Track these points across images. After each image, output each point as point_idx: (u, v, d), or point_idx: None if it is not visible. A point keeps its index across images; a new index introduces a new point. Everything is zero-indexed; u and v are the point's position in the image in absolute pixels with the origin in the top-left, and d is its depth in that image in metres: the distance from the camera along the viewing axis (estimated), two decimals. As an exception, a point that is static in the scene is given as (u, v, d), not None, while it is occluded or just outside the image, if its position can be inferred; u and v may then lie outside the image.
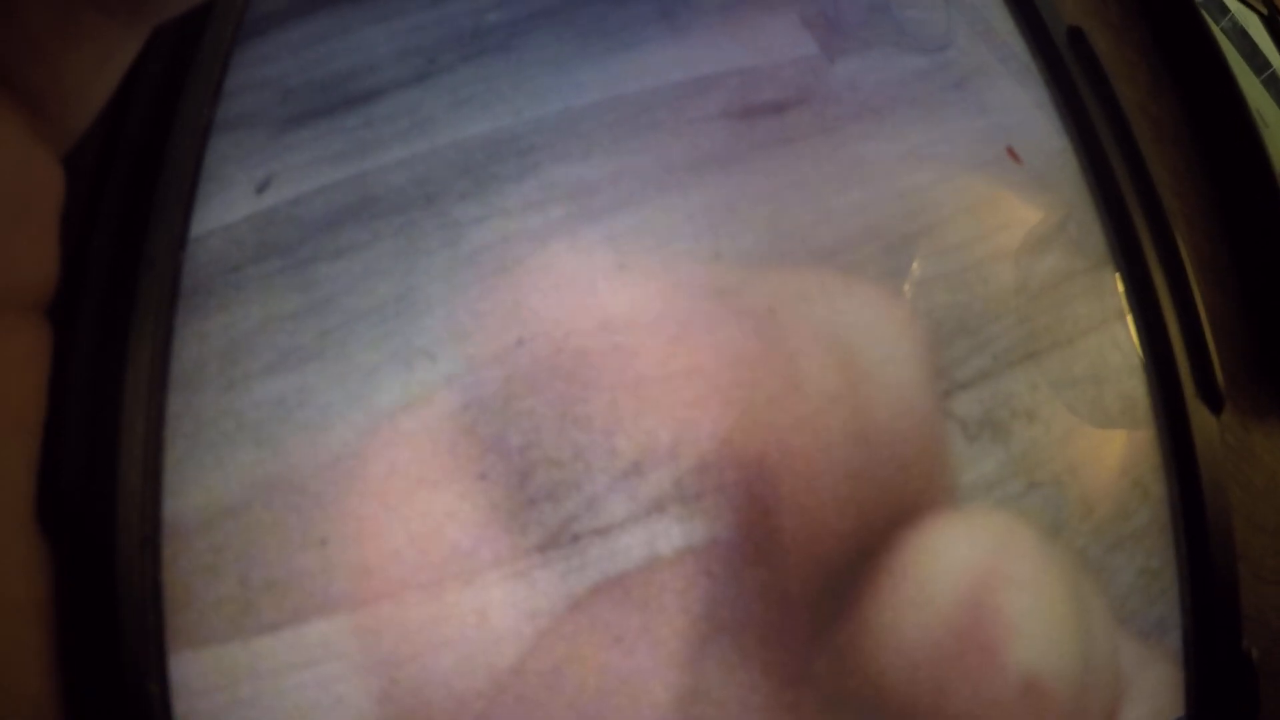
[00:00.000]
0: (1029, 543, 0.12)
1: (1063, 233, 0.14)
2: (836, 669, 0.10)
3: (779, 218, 0.12)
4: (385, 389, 0.10)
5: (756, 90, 0.12)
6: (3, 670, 0.07)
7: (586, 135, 0.11)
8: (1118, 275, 0.14)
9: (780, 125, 0.12)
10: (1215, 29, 0.25)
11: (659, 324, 0.10)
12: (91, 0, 0.06)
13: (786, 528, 0.10)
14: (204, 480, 0.09)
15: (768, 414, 0.10)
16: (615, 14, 0.12)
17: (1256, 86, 0.26)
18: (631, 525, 0.10)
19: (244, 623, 0.09)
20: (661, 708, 0.10)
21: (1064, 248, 0.14)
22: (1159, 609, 0.13)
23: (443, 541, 0.09)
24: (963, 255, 0.13)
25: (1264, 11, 0.28)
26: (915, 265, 0.12)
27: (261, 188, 0.10)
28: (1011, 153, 0.14)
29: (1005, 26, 0.15)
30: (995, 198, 0.14)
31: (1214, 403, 0.14)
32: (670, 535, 0.10)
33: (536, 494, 0.10)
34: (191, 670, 0.09)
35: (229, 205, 0.10)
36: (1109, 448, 0.13)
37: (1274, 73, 0.27)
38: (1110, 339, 0.14)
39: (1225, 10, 0.28)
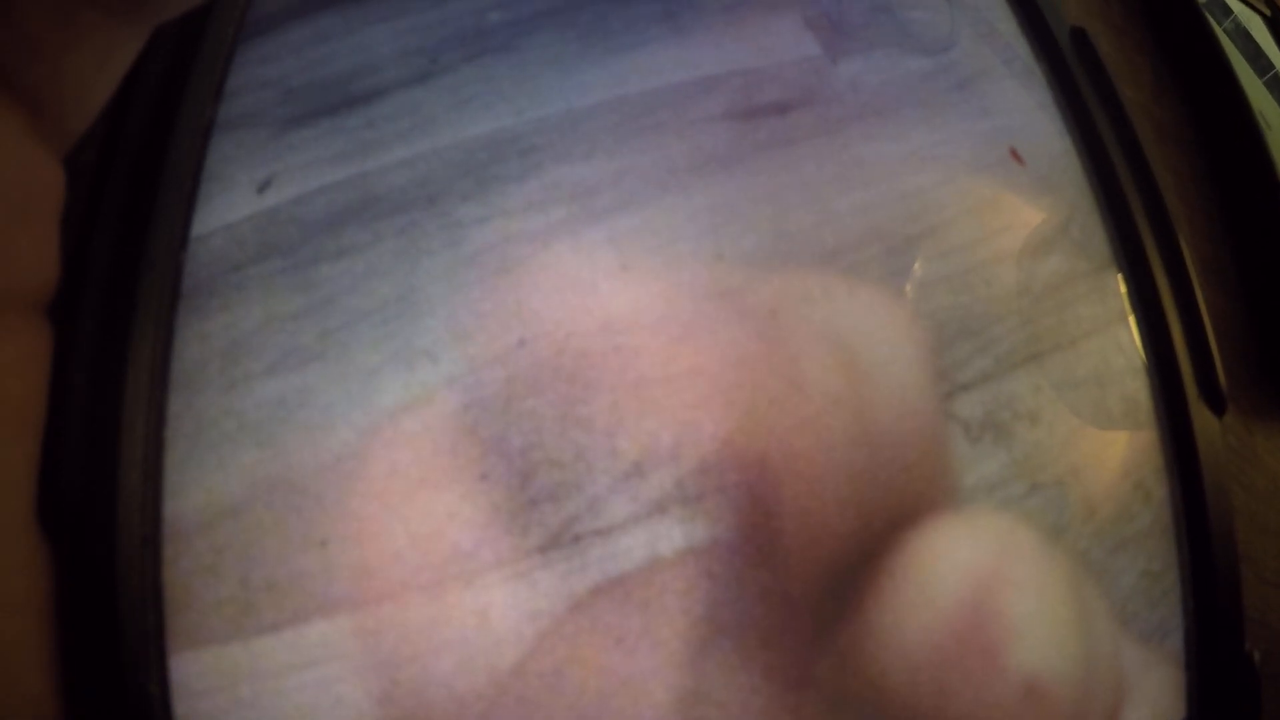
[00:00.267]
0: (1031, 545, 0.12)
1: (1065, 235, 0.14)
2: (838, 671, 0.10)
3: (781, 219, 0.11)
4: (386, 389, 0.10)
5: (759, 91, 0.12)
6: (4, 669, 0.07)
7: (589, 136, 0.11)
8: (1120, 277, 0.14)
9: (783, 126, 0.12)
10: (1218, 30, 0.25)
11: (661, 325, 0.10)
12: (91, 1, 0.06)
13: (788, 529, 0.10)
14: (205, 480, 0.09)
15: (769, 416, 0.10)
16: (618, 14, 0.12)
17: (1259, 88, 0.26)
18: (633, 526, 0.10)
19: (244, 623, 0.09)
20: (662, 709, 0.09)
21: (1067, 250, 0.14)
22: (1161, 611, 0.13)
23: (444, 542, 0.09)
24: (965, 257, 0.13)
25: (1267, 13, 0.28)
26: (917, 266, 0.12)
27: (263, 187, 0.10)
28: (1014, 154, 0.14)
29: (1008, 28, 0.15)
30: (998, 199, 0.14)
31: (1216, 405, 0.14)
32: (672, 536, 0.10)
33: (538, 495, 0.10)
34: (192, 671, 0.09)
35: (230, 205, 0.10)
36: (1111, 450, 0.13)
37: (1277, 74, 0.27)
38: (1113, 341, 0.14)
39: (1228, 11, 0.27)
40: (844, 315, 0.11)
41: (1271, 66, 0.27)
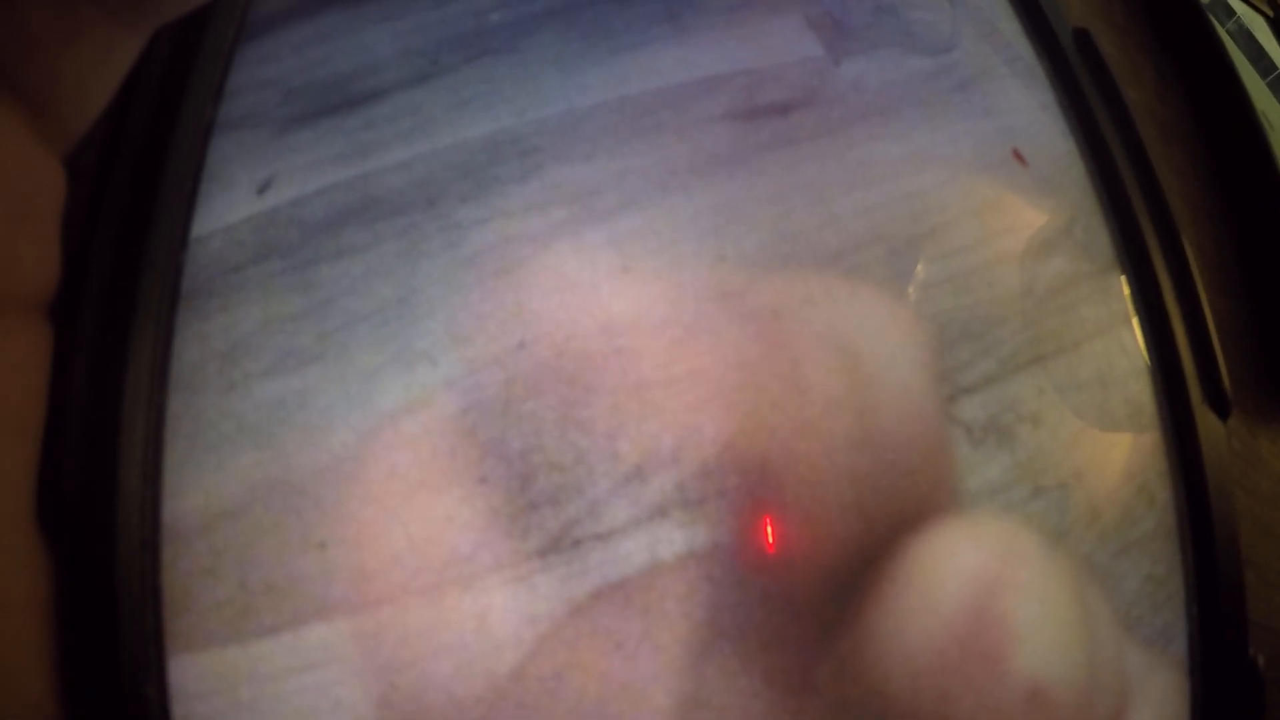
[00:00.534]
0: (1034, 549, 0.12)
1: (1069, 236, 0.14)
2: (839, 676, 0.10)
3: (783, 220, 0.11)
4: (386, 391, 0.10)
5: (761, 91, 0.12)
6: (3, 670, 0.07)
7: (590, 136, 0.11)
8: (1124, 279, 0.14)
9: (785, 127, 0.12)
10: (1221, 31, 0.24)
11: (662, 327, 0.10)
12: (92, 2, 0.06)
13: (789, 534, 0.10)
14: (204, 482, 0.09)
15: (771, 418, 0.10)
16: (619, 14, 0.12)
17: (1262, 88, 0.26)
18: (633, 530, 0.10)
19: (243, 626, 0.09)
20: (662, 714, 0.09)
21: (1070, 251, 0.14)
22: (1164, 616, 0.13)
23: (443, 545, 0.09)
24: (968, 258, 0.13)
25: (1270, 14, 0.28)
26: (920, 268, 0.12)
27: (263, 188, 0.10)
28: (1017, 155, 0.14)
29: (1011, 28, 0.15)
30: (1001, 200, 0.13)
31: (1220, 408, 0.14)
32: (672, 540, 0.10)
33: (537, 498, 0.10)
34: (190, 673, 0.09)
35: (230, 206, 0.10)
36: (1115, 453, 0.13)
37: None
38: (1116, 343, 0.14)
39: (1231, 12, 0.27)
40: (846, 317, 0.11)
41: (1274, 67, 0.27)
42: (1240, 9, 0.27)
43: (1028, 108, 0.15)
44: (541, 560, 0.09)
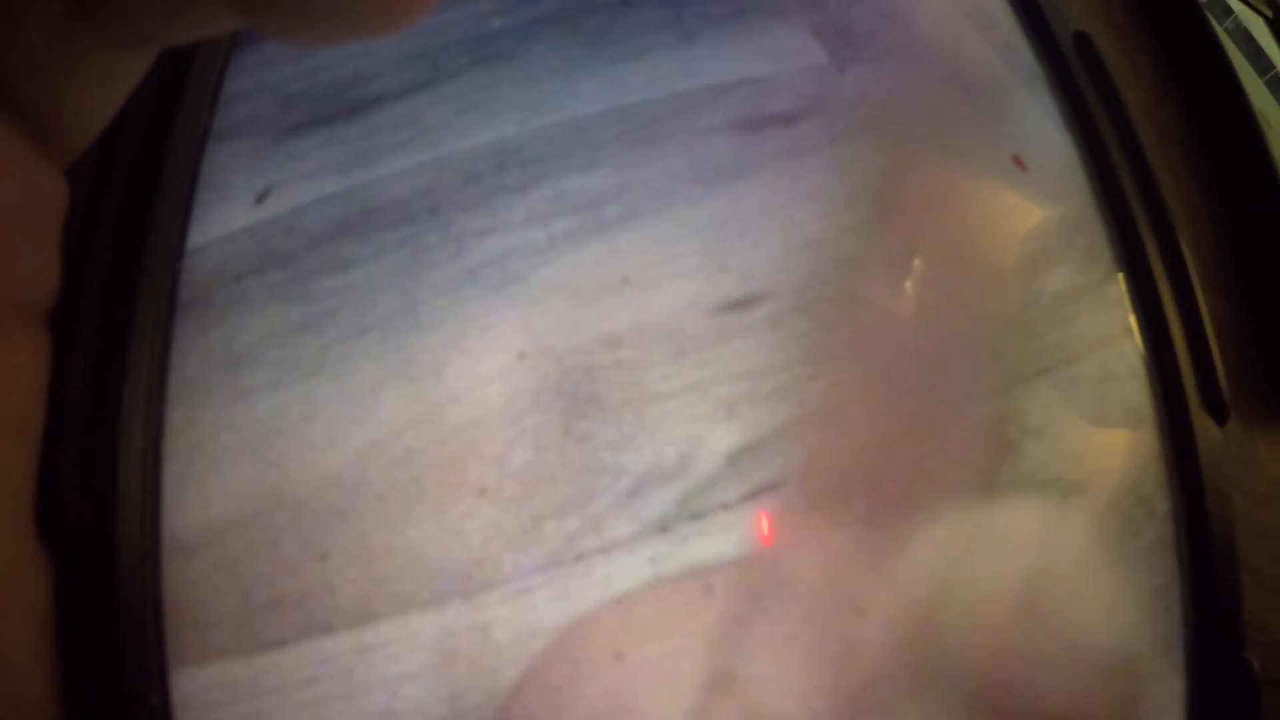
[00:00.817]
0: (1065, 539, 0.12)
1: (1070, 245, 0.14)
2: (840, 680, 0.10)
3: (788, 231, 0.11)
4: (387, 404, 0.09)
5: (766, 100, 0.12)
6: (4, 675, 0.07)
7: (593, 146, 0.11)
8: (1123, 286, 0.14)
9: (789, 137, 0.12)
10: (1219, 30, 0.24)
11: (664, 339, 0.10)
12: (93, 25, 0.06)
13: (792, 548, 0.10)
14: (204, 495, 0.09)
15: (775, 429, 0.10)
16: (622, 20, 0.12)
17: (1260, 88, 0.26)
18: (635, 544, 0.10)
19: (245, 639, 0.09)
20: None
21: (1072, 260, 0.14)
22: (1164, 624, 0.13)
23: (444, 558, 0.09)
24: (971, 266, 0.13)
25: (1268, 14, 0.28)
26: (923, 275, 0.12)
27: (261, 198, 0.10)
28: (1018, 160, 0.14)
29: (1012, 33, 0.15)
30: (1002, 206, 0.13)
31: (1219, 414, 0.14)
32: (674, 555, 0.10)
33: (540, 512, 0.10)
34: (193, 686, 0.09)
35: (228, 216, 0.10)
36: (1116, 464, 0.13)
37: (1278, 74, 0.27)
38: (1116, 352, 0.14)
39: (1229, 12, 0.27)
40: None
41: (1272, 67, 0.27)
42: (1238, 8, 0.27)
43: (1029, 113, 0.15)
44: (543, 574, 0.09)
